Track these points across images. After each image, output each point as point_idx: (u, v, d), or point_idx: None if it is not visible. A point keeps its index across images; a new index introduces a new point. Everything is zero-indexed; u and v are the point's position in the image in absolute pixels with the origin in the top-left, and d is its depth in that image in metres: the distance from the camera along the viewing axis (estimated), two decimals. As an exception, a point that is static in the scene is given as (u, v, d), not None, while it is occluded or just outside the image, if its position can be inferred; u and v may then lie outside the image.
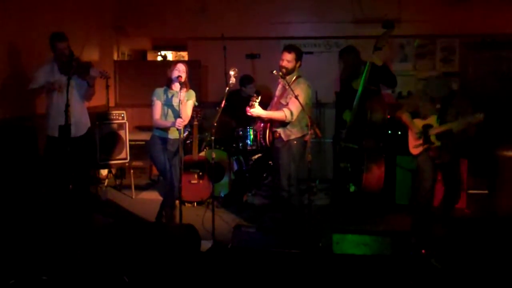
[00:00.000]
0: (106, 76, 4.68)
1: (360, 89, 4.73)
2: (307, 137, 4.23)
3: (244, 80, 5.84)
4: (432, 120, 4.21)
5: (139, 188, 6.10)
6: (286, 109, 4.16)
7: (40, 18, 5.11)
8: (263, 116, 4.21)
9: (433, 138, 4.16)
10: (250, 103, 4.10)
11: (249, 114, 4.16)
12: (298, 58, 4.27)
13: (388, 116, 5.03)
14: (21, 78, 4.73)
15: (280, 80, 4.29)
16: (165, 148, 4.36)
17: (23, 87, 4.66)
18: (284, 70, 4.19)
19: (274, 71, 4.14)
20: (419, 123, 4.29)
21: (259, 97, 4.14)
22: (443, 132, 4.11)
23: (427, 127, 4.21)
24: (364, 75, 4.71)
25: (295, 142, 4.25)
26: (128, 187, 5.92)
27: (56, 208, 4.41)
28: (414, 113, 4.35)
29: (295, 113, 4.14)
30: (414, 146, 4.31)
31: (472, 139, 4.22)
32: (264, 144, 4.50)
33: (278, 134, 4.27)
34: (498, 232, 4.30)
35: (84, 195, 4.79)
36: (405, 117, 4.35)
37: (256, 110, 4.13)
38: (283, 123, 4.24)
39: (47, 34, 4.53)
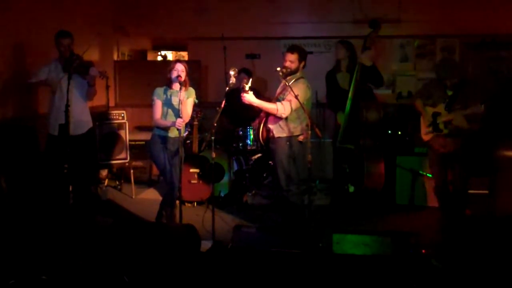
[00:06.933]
0: (105, 76, 4.71)
1: (351, 90, 4.72)
2: (301, 138, 4.23)
3: (241, 71, 5.73)
4: (440, 108, 4.36)
5: (139, 188, 6.10)
6: (280, 103, 4.16)
7: (40, 19, 5.10)
8: (255, 104, 4.20)
9: (441, 126, 4.33)
10: (242, 85, 4.11)
11: (242, 99, 4.15)
12: (302, 58, 4.27)
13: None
14: (22, 78, 4.73)
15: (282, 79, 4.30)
16: (165, 147, 4.36)
17: (25, 87, 4.66)
18: (284, 70, 4.18)
19: (278, 68, 4.14)
20: (430, 110, 4.45)
21: (250, 80, 4.16)
22: (449, 120, 4.29)
23: (436, 115, 4.38)
24: (354, 76, 4.70)
25: (286, 141, 4.24)
26: (128, 187, 5.93)
27: (56, 207, 4.42)
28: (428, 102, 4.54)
29: (288, 110, 4.13)
30: (425, 133, 4.50)
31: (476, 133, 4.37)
32: (259, 141, 4.50)
33: (272, 134, 4.27)
34: (498, 232, 4.29)
35: (84, 194, 4.79)
36: (418, 103, 4.53)
37: (248, 96, 4.13)
38: (276, 121, 4.24)
39: (48, 34, 4.54)
